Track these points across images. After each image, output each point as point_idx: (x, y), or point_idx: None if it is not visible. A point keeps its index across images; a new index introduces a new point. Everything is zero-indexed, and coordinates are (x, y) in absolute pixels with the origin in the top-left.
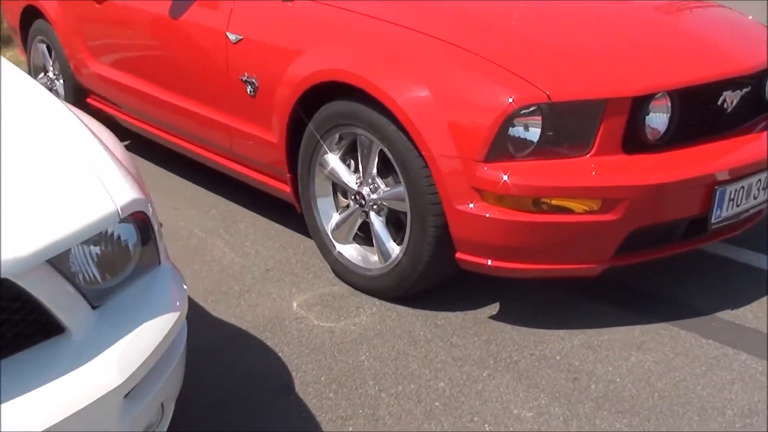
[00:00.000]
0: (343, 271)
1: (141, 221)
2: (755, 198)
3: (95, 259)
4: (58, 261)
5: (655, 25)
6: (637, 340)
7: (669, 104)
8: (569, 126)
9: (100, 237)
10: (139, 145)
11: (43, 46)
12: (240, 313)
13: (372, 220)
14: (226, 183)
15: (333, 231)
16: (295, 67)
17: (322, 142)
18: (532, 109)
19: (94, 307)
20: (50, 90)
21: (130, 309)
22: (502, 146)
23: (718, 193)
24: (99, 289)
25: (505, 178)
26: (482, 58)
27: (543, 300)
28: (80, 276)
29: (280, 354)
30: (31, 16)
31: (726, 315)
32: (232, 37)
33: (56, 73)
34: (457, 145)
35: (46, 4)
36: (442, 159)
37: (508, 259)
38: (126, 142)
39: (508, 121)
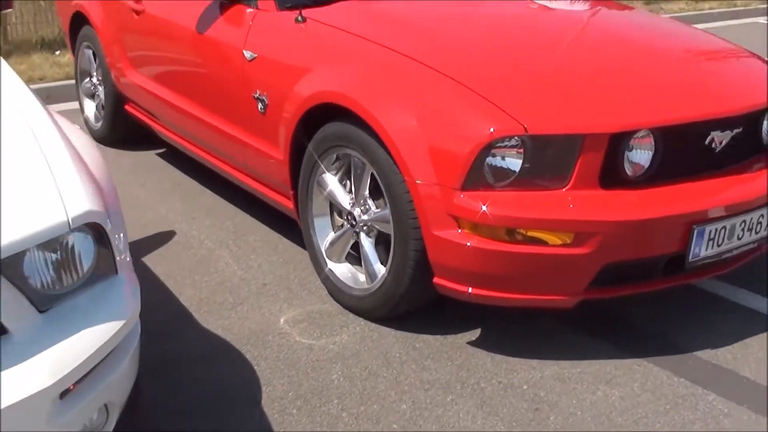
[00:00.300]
0: (333, 288)
1: (98, 232)
2: (739, 239)
3: (52, 265)
4: (6, 265)
5: (645, 60)
6: (609, 374)
7: (652, 142)
8: (547, 159)
9: (57, 244)
10: (172, 154)
11: (89, 52)
12: (228, 325)
13: (362, 240)
14: (247, 196)
15: (327, 249)
16: (299, 87)
17: (319, 161)
18: (510, 140)
19: (41, 311)
20: (93, 95)
21: (77, 314)
22: (479, 176)
23: (696, 232)
24: (50, 294)
25: (483, 207)
26: (467, 87)
27: (525, 328)
28: (34, 280)
29: (255, 367)
30: (80, 21)
31: (705, 354)
32: (247, 54)
33: (99, 79)
34: (436, 172)
35: (93, 12)
36: (422, 185)
37: (483, 286)
38: (161, 150)
39: (485, 151)
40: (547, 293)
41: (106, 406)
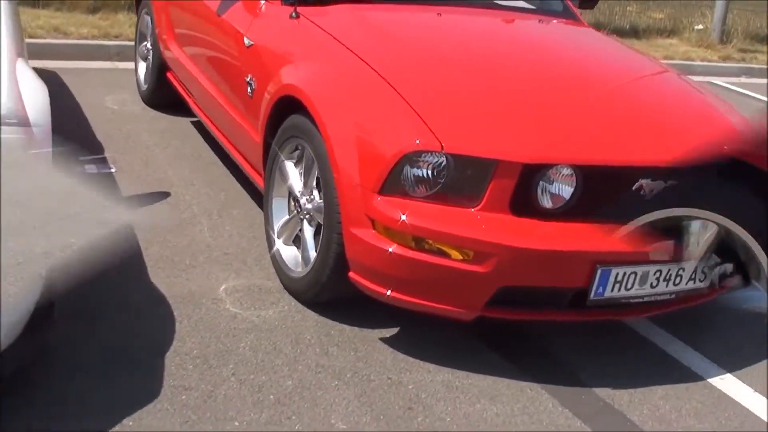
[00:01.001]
0: (276, 266)
1: None
2: (653, 287)
3: None
4: None
5: (589, 95)
6: (497, 391)
7: (573, 178)
8: (463, 178)
9: None
10: (199, 124)
11: (149, 18)
12: (171, 283)
13: (304, 227)
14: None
15: (279, 229)
16: (276, 78)
17: (277, 150)
18: (431, 155)
19: None
20: (146, 58)
21: None
22: (396, 184)
23: (600, 271)
24: None
25: (400, 215)
26: (403, 99)
27: (440, 336)
28: None
29: (177, 324)
30: None
31: (603, 392)
32: (247, 41)
33: (151, 44)
34: (360, 173)
35: None
36: (348, 184)
37: (394, 288)
38: (196, 119)
39: (402, 162)
40: (448, 304)
41: None
